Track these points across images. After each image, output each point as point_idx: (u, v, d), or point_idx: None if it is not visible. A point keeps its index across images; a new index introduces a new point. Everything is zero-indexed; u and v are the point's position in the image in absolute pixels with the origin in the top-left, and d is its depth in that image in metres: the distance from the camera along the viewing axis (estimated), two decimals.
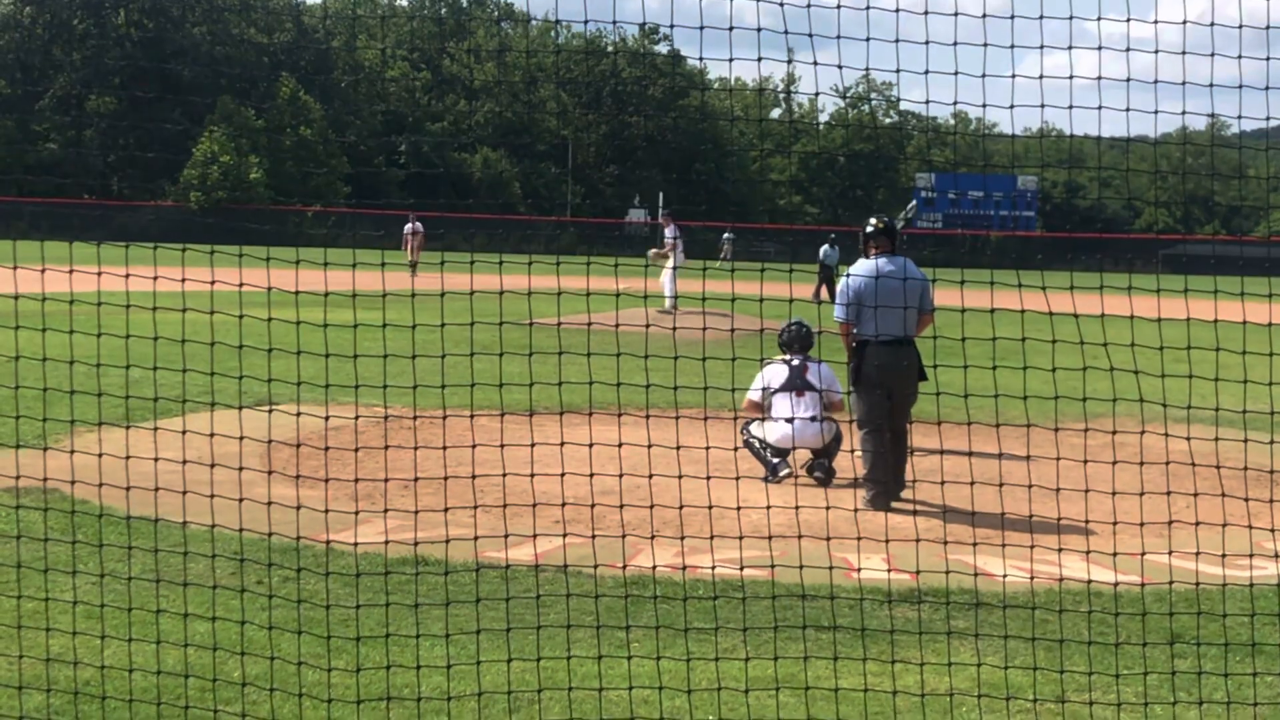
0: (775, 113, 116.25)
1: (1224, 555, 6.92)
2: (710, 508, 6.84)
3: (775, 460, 11.16)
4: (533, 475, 6.94)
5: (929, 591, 7.47)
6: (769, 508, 7.02)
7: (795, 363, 11.63)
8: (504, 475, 7.03)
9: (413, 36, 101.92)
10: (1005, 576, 7.51)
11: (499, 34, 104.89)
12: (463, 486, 7.78)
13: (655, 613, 7.01)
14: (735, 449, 8.06)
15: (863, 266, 10.78)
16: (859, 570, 7.50)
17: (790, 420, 10.90)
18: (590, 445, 6.88)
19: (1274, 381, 6.69)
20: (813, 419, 11.08)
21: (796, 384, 11.47)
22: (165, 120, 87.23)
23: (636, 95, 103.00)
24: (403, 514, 7.80)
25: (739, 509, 7.23)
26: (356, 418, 7.59)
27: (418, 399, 7.48)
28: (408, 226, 45.72)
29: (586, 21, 6.68)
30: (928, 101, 6.57)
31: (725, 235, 66.55)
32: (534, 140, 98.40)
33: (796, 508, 6.79)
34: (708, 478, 6.34)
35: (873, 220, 10.88)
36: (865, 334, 10.41)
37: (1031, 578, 7.50)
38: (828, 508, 6.60)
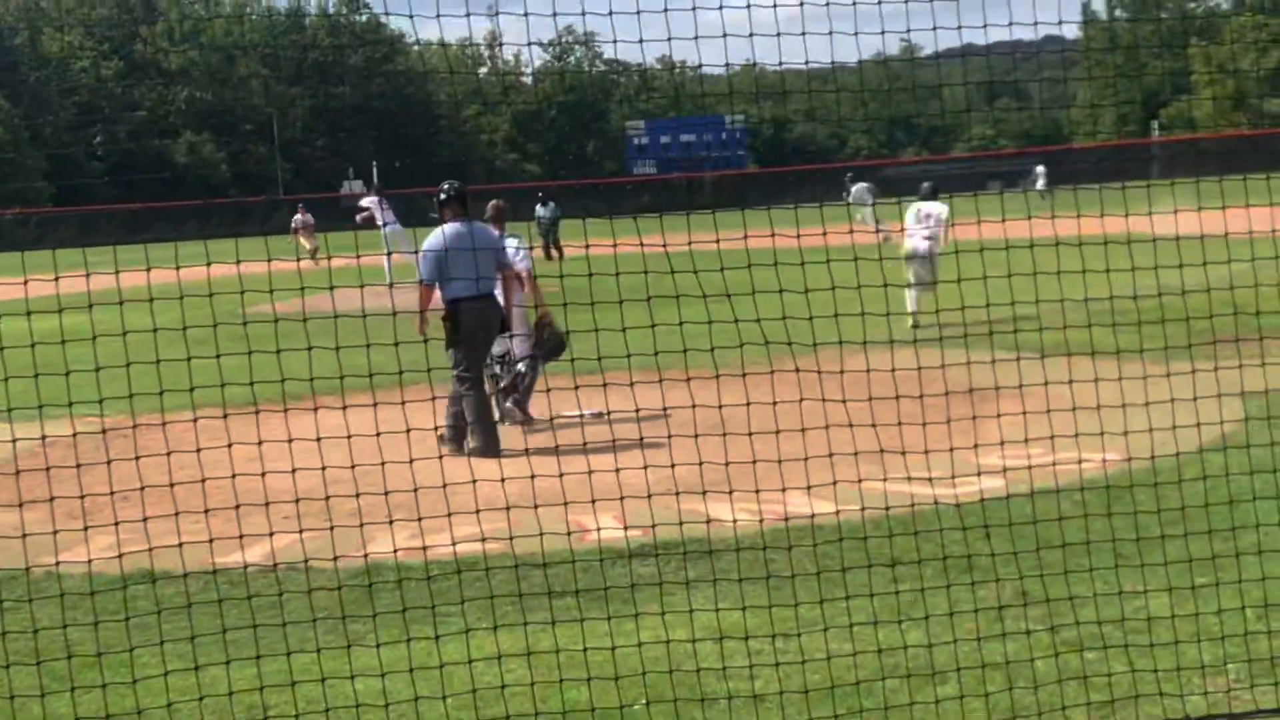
0: (481, 71, 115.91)
1: (931, 478, 7.30)
2: (445, 485, 6.90)
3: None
4: (264, 474, 6.90)
5: (664, 545, 7.68)
6: (503, 480, 7.10)
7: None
8: (234, 476, 6.97)
9: (99, 25, 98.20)
10: (735, 521, 7.77)
11: (192, 14, 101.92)
12: (191, 492, 7.66)
13: (401, 596, 7.05)
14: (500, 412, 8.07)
15: (437, 234, 11.78)
16: (597, 530, 7.66)
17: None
18: (319, 439, 6.87)
19: (992, 303, 7.05)
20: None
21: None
22: None
23: (339, 65, 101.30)
24: (133, 525, 7.66)
25: (474, 482, 7.30)
26: (75, 434, 7.41)
27: (135, 406, 7.37)
28: (296, 218, 44.34)
29: None
30: (616, 42, 6.71)
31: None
32: (238, 119, 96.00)
33: (532, 476, 6.89)
34: (440, 456, 6.39)
35: (445, 185, 11.78)
36: (455, 294, 11.22)
37: (760, 520, 7.77)
38: (560, 475, 6.71)
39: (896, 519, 7.71)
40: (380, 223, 29.56)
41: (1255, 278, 8.10)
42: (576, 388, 7.60)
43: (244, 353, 6.85)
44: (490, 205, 12.80)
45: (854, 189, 42.14)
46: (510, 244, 12.29)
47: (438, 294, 11.36)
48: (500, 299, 11.67)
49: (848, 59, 6.99)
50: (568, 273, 7.65)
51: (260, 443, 7.02)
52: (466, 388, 11.16)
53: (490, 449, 10.83)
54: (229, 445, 6.96)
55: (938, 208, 19.25)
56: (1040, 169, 66.85)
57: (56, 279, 7.50)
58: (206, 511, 7.41)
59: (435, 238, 11.78)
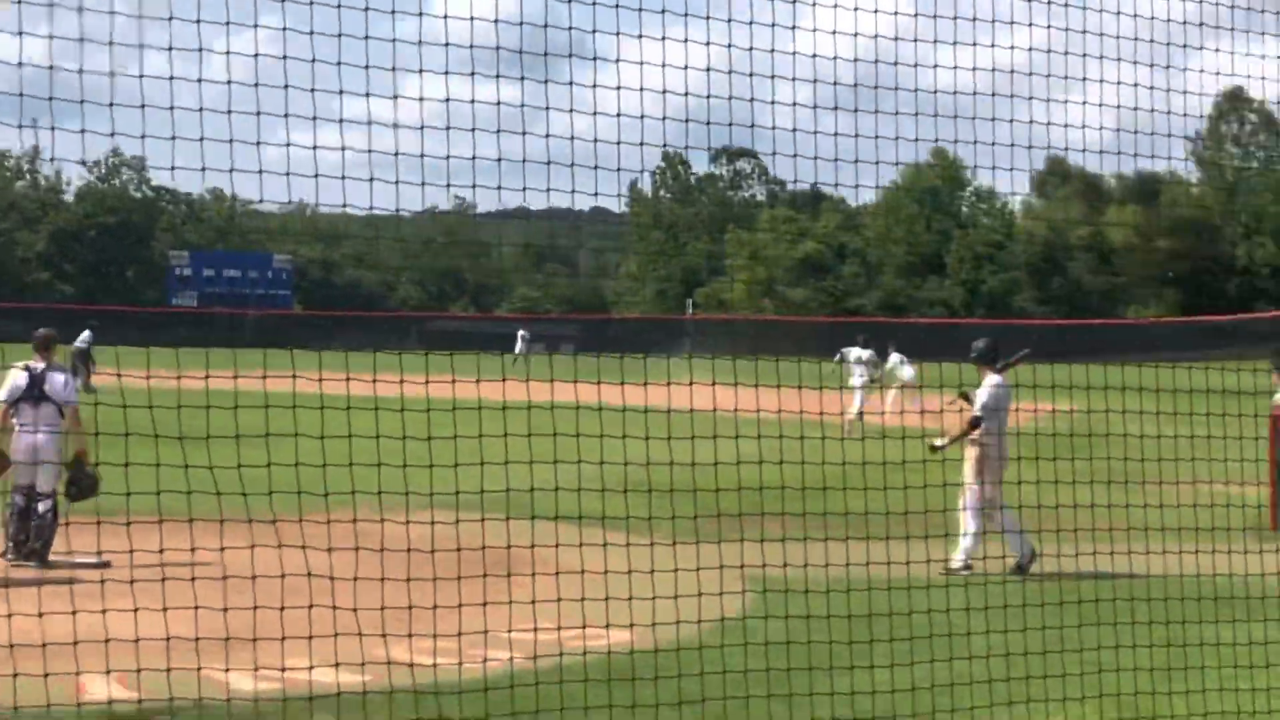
0: (19, 184, 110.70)
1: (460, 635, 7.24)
2: None
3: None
4: None
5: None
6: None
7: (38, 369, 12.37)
8: None
9: None
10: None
11: None
12: None
13: None
14: None
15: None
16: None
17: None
18: None
19: (510, 460, 7.11)
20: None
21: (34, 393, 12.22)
22: None
23: None
24: None
25: None
26: None
27: None
28: None
29: None
30: (173, 168, 6.56)
31: None
32: None
33: (9, 616, 6.45)
34: None
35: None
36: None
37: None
38: (41, 614, 6.30)
39: (402, 696, 7.55)
40: None
41: (762, 454, 8.48)
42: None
43: None
44: (38, 335, 12.60)
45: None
46: (59, 378, 12.33)
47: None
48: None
49: (405, 209, 7.03)
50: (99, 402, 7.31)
51: None
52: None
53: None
54: None
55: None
56: (521, 332, 68.62)
57: None
58: None
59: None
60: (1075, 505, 8.45)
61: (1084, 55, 8.15)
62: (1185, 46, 8.37)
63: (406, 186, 7.02)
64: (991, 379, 13.95)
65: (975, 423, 13.59)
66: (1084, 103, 8.30)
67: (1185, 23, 8.32)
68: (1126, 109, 8.34)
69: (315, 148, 6.95)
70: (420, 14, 7.23)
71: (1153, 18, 8.25)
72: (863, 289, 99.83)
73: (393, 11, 7.14)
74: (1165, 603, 8.91)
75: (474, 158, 7.11)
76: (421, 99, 7.21)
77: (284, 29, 6.73)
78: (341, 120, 6.83)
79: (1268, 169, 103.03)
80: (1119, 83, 8.22)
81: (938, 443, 13.42)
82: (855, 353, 31.32)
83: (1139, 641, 8.23)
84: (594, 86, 7.38)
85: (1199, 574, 8.79)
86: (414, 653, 7.78)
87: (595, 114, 7.31)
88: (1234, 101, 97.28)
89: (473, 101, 7.09)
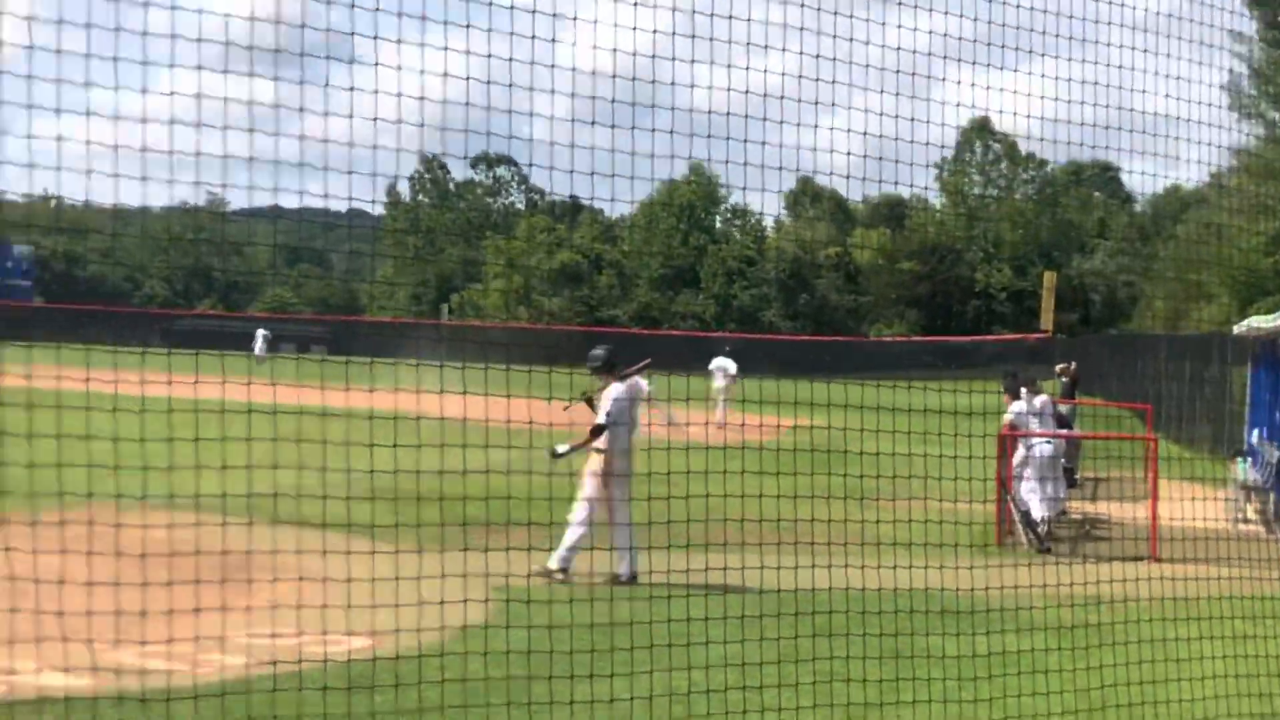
0: None
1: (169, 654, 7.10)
2: None
3: None
4: None
5: None
6: None
7: None
8: None
9: None
10: None
11: None
12: None
13: None
14: None
15: None
16: None
17: None
18: None
19: (253, 465, 6.99)
20: None
21: None
22: None
23: None
24: None
25: None
26: None
27: None
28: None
29: None
30: None
31: None
32: None
33: None
34: None
35: None
36: None
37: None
38: None
39: (131, 701, 7.38)
40: None
41: (510, 463, 8.53)
42: None
43: None
44: None
45: None
46: None
47: None
48: None
49: (154, 203, 6.82)
50: None
51: None
52: None
53: None
54: None
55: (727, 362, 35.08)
56: (261, 332, 66.01)
57: None
58: None
59: None
60: (812, 520, 8.69)
61: (834, 82, 8.39)
62: (930, 78, 8.69)
63: (154, 182, 6.85)
64: (615, 389, 13.82)
65: (597, 431, 13.49)
66: (832, 129, 8.54)
67: (930, 54, 8.64)
68: (873, 136, 8.61)
69: (59, 139, 6.75)
70: (172, 7, 7.06)
71: (899, 48, 8.53)
72: (617, 300, 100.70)
73: (145, 4, 6.96)
74: (894, 615, 9.23)
75: (225, 156, 6.99)
76: (172, 94, 7.05)
77: (28, 18, 6.52)
78: (89, 113, 6.64)
79: (1007, 196, 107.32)
80: (866, 110, 8.48)
81: (560, 449, 13.23)
82: (719, 361, 36.95)
83: (868, 653, 8.50)
84: (351, 90, 7.30)
85: (926, 588, 9.12)
86: (146, 657, 7.62)
87: (351, 116, 7.24)
88: (980, 131, 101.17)
89: (225, 99, 6.96)
